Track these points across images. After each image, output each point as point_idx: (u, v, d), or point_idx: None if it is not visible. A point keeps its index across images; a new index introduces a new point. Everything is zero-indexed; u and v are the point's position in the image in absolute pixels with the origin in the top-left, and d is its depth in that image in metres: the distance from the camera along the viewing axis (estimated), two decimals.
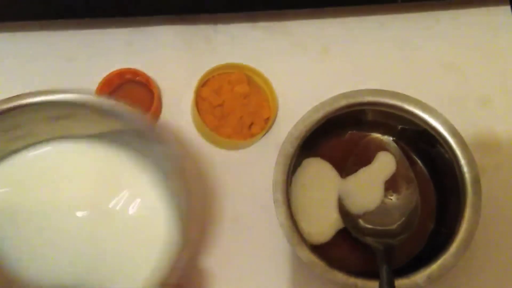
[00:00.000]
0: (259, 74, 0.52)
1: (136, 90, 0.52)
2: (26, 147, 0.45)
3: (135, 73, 0.52)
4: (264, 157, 0.51)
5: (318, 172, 0.50)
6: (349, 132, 0.52)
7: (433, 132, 0.47)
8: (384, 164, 0.49)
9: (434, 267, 0.43)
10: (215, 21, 0.56)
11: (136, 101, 0.52)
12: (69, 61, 0.54)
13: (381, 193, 0.48)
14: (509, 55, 0.56)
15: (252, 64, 0.52)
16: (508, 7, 0.57)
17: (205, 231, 0.49)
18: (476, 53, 0.56)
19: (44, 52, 0.54)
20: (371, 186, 0.48)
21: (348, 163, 0.50)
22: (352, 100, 0.48)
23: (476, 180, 0.45)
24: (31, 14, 0.53)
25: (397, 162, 0.49)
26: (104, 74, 0.51)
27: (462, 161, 0.46)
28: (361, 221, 0.47)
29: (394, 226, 0.47)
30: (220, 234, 0.49)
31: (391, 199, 0.48)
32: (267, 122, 0.51)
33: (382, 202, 0.48)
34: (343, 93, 0.48)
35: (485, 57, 0.56)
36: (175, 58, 0.55)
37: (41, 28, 0.55)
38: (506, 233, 0.50)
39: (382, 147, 0.50)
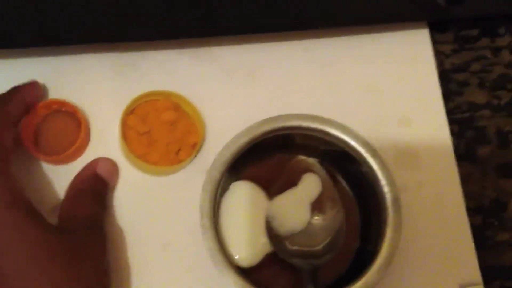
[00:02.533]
0: (185, 101, 0.52)
1: (63, 121, 0.52)
2: None
3: (61, 103, 0.52)
4: (192, 182, 0.51)
5: (246, 195, 0.50)
6: (277, 154, 0.53)
7: (353, 154, 0.48)
8: (310, 185, 0.50)
9: (357, 285, 0.44)
10: (143, 48, 0.56)
11: (64, 132, 0.52)
12: None
13: (307, 214, 0.49)
14: (427, 77, 0.58)
15: (180, 90, 0.53)
16: (427, 30, 0.60)
17: (134, 258, 0.50)
18: (396, 75, 0.58)
19: None
20: (297, 207, 0.49)
21: (275, 185, 0.51)
22: (275, 125, 0.49)
23: (396, 200, 0.47)
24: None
25: (322, 183, 0.50)
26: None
27: (382, 181, 0.47)
28: (287, 243, 0.48)
29: (320, 247, 0.48)
30: (150, 261, 0.50)
31: (317, 220, 0.49)
32: (195, 148, 0.51)
33: (309, 223, 0.49)
34: (267, 118, 0.49)
35: (405, 79, 0.58)
36: (103, 86, 0.55)
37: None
38: (427, 248, 0.52)
39: (308, 168, 0.51)
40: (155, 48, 0.56)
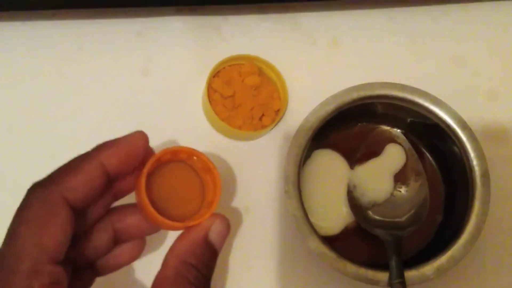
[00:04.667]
0: (269, 66, 0.52)
1: (186, 172, 0.39)
2: None
3: (190, 153, 0.38)
4: (274, 148, 0.51)
5: (328, 163, 0.50)
6: (358, 124, 0.52)
7: (442, 125, 0.47)
8: (394, 156, 0.49)
9: (443, 259, 0.44)
10: (225, 12, 0.56)
11: (186, 186, 0.39)
12: (80, 49, 0.54)
13: (390, 185, 0.48)
14: None
15: (262, 55, 0.52)
16: None
17: None
18: (484, 46, 0.56)
19: (54, 41, 0.54)
20: (380, 177, 0.49)
21: (357, 155, 0.50)
22: (363, 93, 0.48)
23: (485, 173, 0.46)
24: (40, 3, 0.52)
25: (406, 155, 0.49)
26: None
27: (472, 154, 0.46)
28: (370, 213, 0.48)
29: (403, 218, 0.47)
30: (231, 224, 0.50)
31: (400, 191, 0.48)
32: (278, 114, 0.51)
33: (392, 194, 0.48)
34: (354, 86, 0.48)
35: (493, 51, 0.56)
36: (184, 48, 0.55)
37: (52, 17, 0.54)
38: None
39: (391, 139, 0.50)
40: (238, 12, 0.56)
